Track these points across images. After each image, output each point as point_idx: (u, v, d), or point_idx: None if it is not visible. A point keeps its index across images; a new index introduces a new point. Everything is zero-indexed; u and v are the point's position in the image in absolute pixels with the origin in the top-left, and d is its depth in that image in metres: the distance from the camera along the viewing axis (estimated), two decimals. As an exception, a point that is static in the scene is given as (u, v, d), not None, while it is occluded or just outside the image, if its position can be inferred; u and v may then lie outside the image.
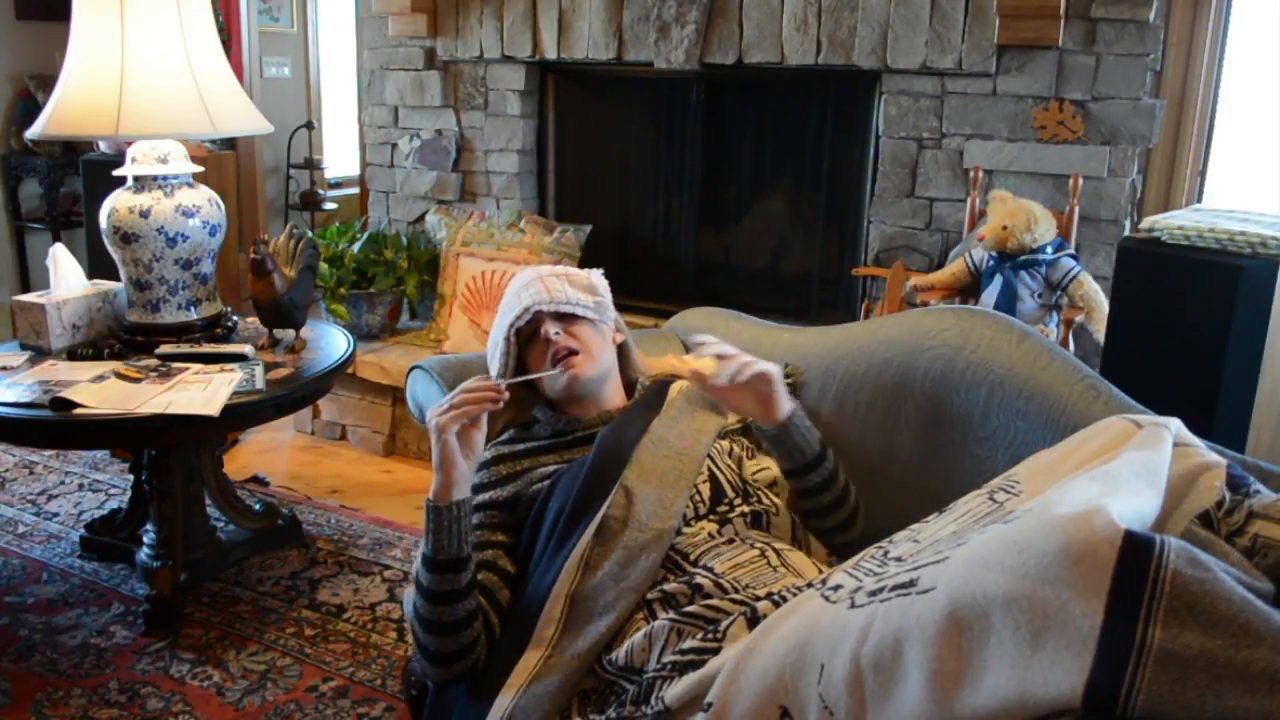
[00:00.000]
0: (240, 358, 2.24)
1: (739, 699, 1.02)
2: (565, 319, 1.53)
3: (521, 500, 1.45)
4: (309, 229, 4.62)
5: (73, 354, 2.25)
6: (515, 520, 1.45)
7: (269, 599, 2.39)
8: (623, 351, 1.63)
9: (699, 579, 1.27)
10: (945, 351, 1.58)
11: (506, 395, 1.35)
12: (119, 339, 2.34)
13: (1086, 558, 0.80)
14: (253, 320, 2.51)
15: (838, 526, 1.52)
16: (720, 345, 1.41)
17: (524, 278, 1.59)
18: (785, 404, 1.45)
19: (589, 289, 1.57)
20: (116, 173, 2.32)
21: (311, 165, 5.81)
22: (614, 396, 1.58)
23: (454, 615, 1.30)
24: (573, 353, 1.50)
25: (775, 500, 1.47)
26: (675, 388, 1.55)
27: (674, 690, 1.11)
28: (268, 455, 3.38)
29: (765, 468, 1.51)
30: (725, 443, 1.50)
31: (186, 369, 2.18)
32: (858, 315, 3.14)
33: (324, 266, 3.37)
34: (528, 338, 1.55)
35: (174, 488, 2.32)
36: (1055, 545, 0.82)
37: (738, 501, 1.43)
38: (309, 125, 5.77)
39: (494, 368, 1.60)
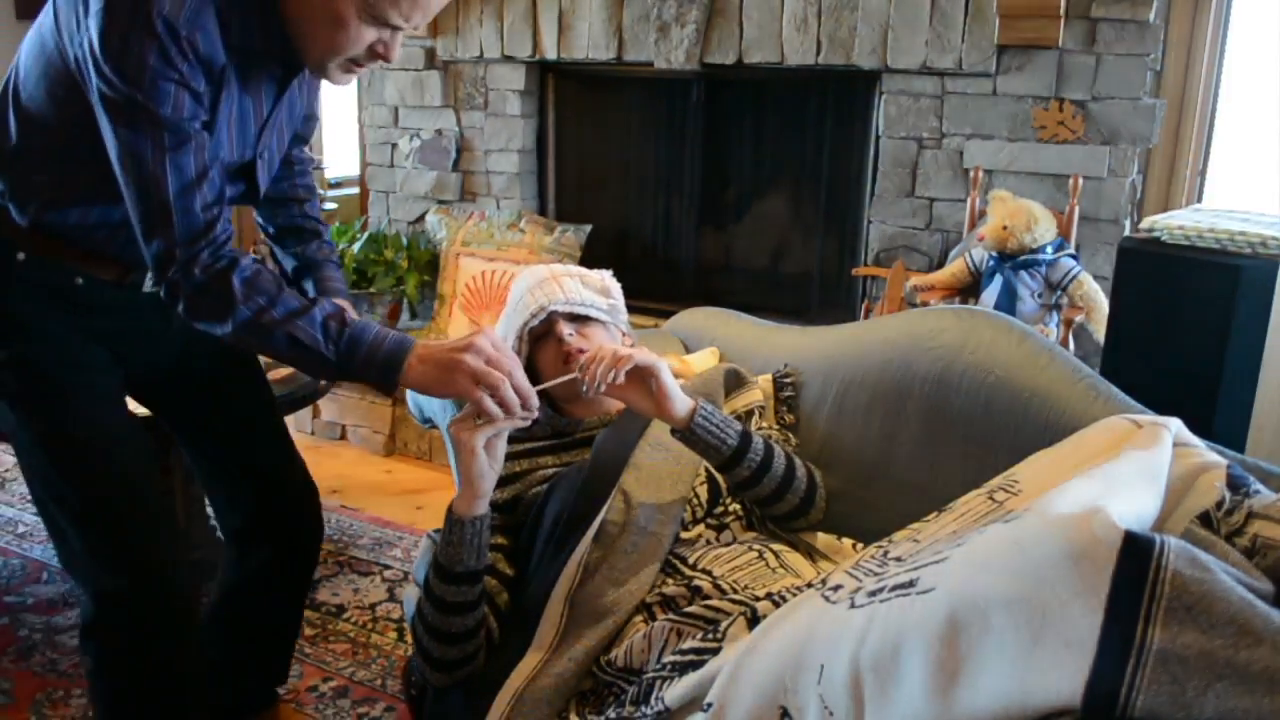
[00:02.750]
0: (240, 358, 2.24)
1: (739, 699, 1.02)
2: (578, 320, 1.52)
3: (520, 503, 1.45)
4: (309, 229, 4.61)
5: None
6: (514, 523, 1.45)
7: (269, 599, 2.39)
8: None
9: (698, 581, 1.26)
10: (945, 352, 1.58)
11: (537, 412, 1.27)
12: (119, 339, 2.34)
13: (1086, 558, 0.80)
14: (253, 320, 2.50)
15: (789, 514, 1.45)
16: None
17: (535, 275, 1.57)
18: (680, 401, 1.33)
19: (603, 291, 1.57)
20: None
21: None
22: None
23: (464, 625, 1.30)
24: (583, 352, 1.49)
25: None
26: None
27: (674, 691, 1.11)
28: (268, 455, 3.38)
29: None
30: None
31: (186, 369, 2.18)
32: (858, 315, 3.14)
33: (324, 266, 3.37)
34: (539, 337, 1.53)
35: (174, 488, 2.32)
36: (1055, 546, 0.82)
37: (732, 503, 1.43)
38: (309, 125, 5.77)
39: None
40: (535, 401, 1.26)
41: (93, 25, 1.11)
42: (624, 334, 1.61)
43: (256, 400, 1.72)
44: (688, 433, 1.34)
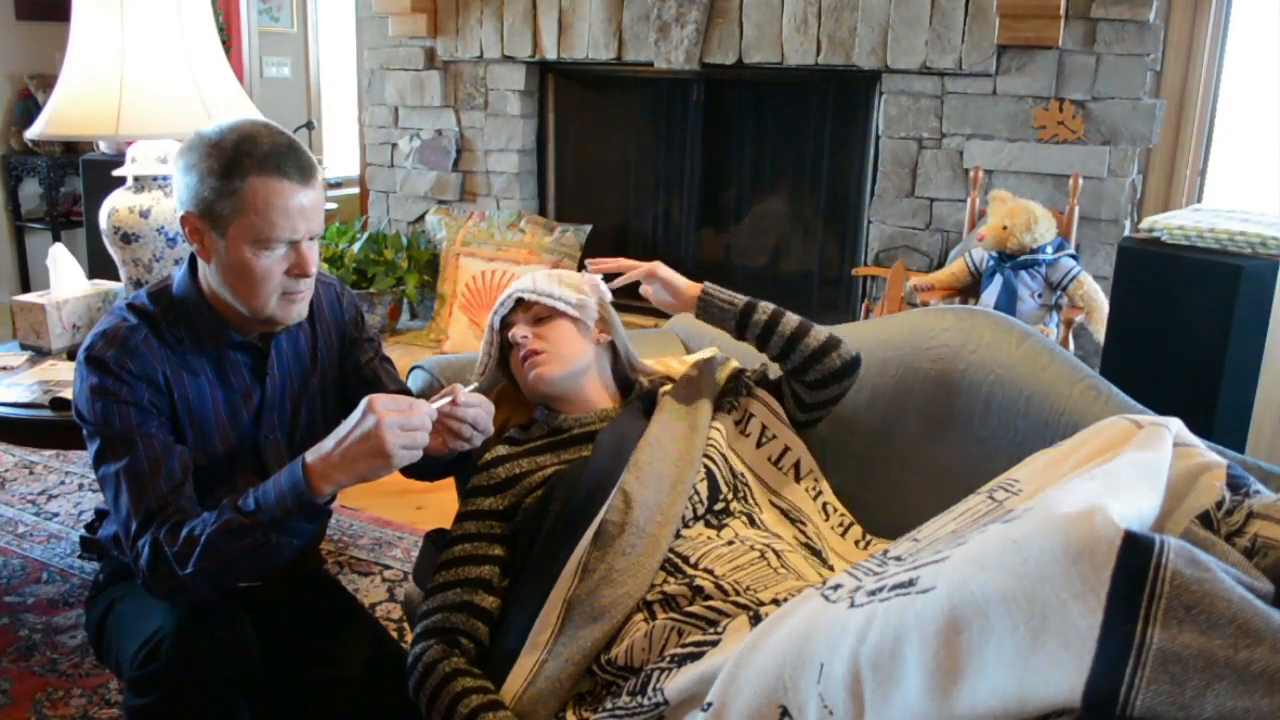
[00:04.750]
0: (240, 358, 2.24)
1: (738, 698, 1.02)
2: (541, 320, 1.55)
3: (518, 510, 1.45)
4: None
5: (73, 354, 2.26)
6: (512, 530, 1.45)
7: (269, 599, 2.39)
8: (613, 351, 1.64)
9: (699, 580, 1.26)
10: (945, 351, 1.58)
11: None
12: (119, 339, 2.35)
13: (1086, 557, 0.80)
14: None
15: (836, 372, 1.50)
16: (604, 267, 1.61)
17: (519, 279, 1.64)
18: (688, 284, 1.57)
19: (574, 286, 1.59)
20: (116, 173, 2.32)
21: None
22: (599, 394, 1.58)
23: None
24: (535, 353, 1.52)
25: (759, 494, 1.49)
26: (663, 390, 1.56)
27: (674, 684, 1.11)
28: (268, 455, 3.38)
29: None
30: (716, 434, 1.50)
31: (186, 369, 2.18)
32: (858, 315, 3.15)
33: (324, 266, 3.37)
34: (509, 342, 1.58)
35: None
36: (1055, 545, 0.82)
37: (732, 498, 1.43)
38: (309, 125, 5.78)
39: (480, 360, 1.64)
40: (485, 421, 1.33)
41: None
42: (601, 331, 1.62)
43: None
44: (705, 300, 1.54)
